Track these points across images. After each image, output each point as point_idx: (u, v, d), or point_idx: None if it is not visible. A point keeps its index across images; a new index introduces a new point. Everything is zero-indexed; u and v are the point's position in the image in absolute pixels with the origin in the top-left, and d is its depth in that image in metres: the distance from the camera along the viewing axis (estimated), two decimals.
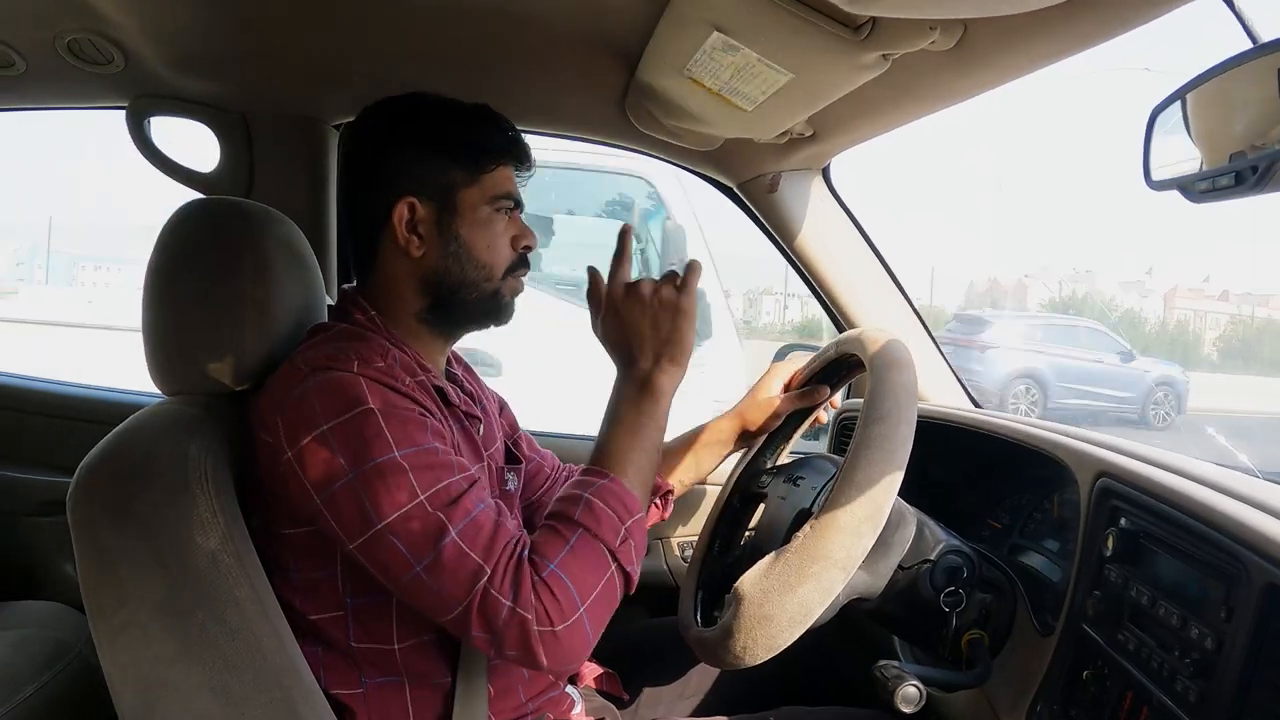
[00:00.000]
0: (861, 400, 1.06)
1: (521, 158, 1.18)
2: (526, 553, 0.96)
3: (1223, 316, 25.52)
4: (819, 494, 1.13)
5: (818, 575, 0.93)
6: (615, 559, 0.98)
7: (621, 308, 1.10)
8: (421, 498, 0.94)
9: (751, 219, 1.80)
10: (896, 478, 0.95)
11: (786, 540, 0.97)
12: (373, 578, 1.00)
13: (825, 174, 1.70)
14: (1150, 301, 28.26)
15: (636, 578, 1.02)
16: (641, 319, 1.09)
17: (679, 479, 1.43)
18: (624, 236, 1.16)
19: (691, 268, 1.13)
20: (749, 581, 0.96)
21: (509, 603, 0.92)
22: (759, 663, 0.97)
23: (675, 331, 1.08)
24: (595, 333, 1.14)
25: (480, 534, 0.95)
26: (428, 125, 1.15)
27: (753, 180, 1.72)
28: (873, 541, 0.94)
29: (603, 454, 1.06)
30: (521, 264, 1.18)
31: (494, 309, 1.17)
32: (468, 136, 1.14)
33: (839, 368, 1.33)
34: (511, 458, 1.31)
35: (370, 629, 1.04)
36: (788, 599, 0.93)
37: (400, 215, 1.12)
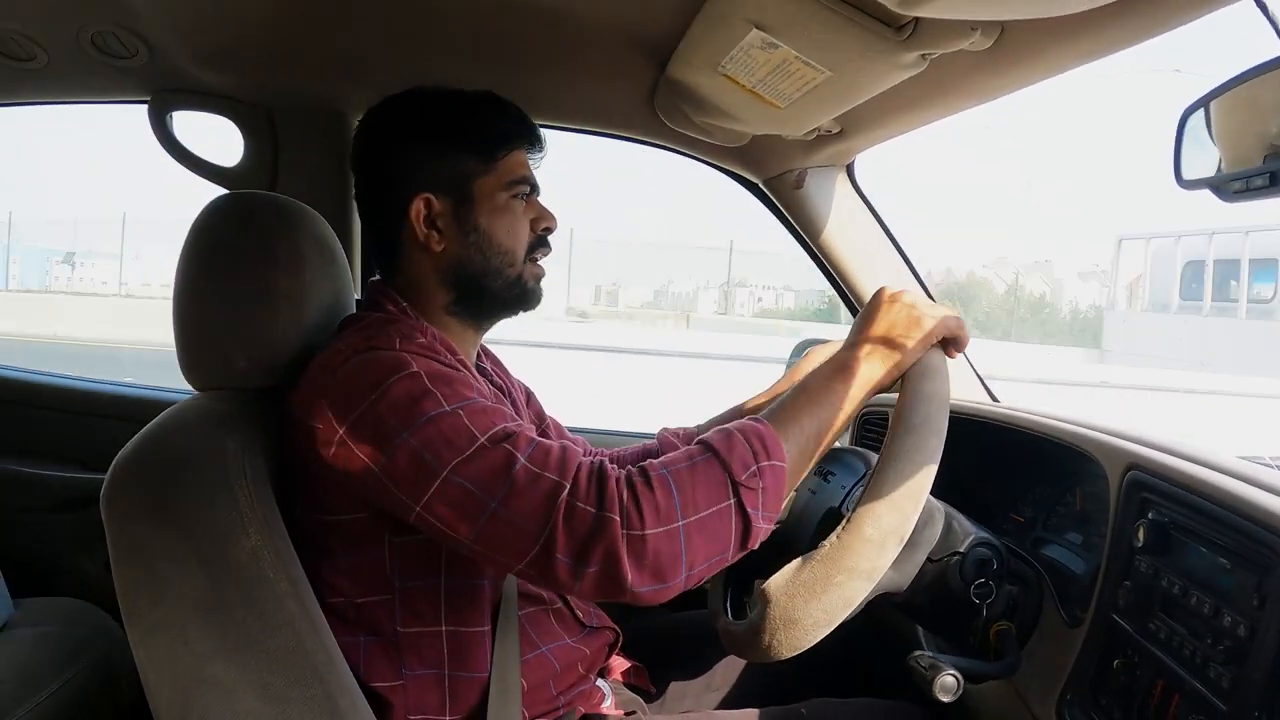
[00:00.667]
0: (886, 394, 1.07)
1: (533, 140, 1.19)
2: (605, 467, 0.93)
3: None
4: (848, 494, 1.14)
5: (842, 585, 0.93)
6: (736, 493, 0.92)
7: (879, 304, 1.07)
8: (482, 439, 0.93)
9: (776, 215, 1.81)
10: (925, 491, 0.95)
11: (814, 544, 0.97)
12: (423, 559, 1.01)
13: (850, 170, 1.72)
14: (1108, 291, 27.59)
15: (761, 530, 0.94)
16: (883, 316, 1.06)
17: None
18: None
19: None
20: (775, 585, 0.96)
21: (593, 509, 0.88)
22: (785, 658, 0.97)
23: (902, 336, 1.03)
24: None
25: (550, 455, 0.93)
26: (435, 118, 1.15)
27: (779, 176, 1.73)
28: (898, 553, 0.95)
29: (771, 410, 1.02)
30: (541, 245, 1.19)
31: (520, 294, 1.19)
32: (477, 125, 1.15)
33: None
34: None
35: (418, 612, 1.05)
36: (812, 605, 0.93)
37: (417, 212, 1.13)
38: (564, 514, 0.88)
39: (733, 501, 0.92)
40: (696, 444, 0.97)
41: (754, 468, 0.93)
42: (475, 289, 1.16)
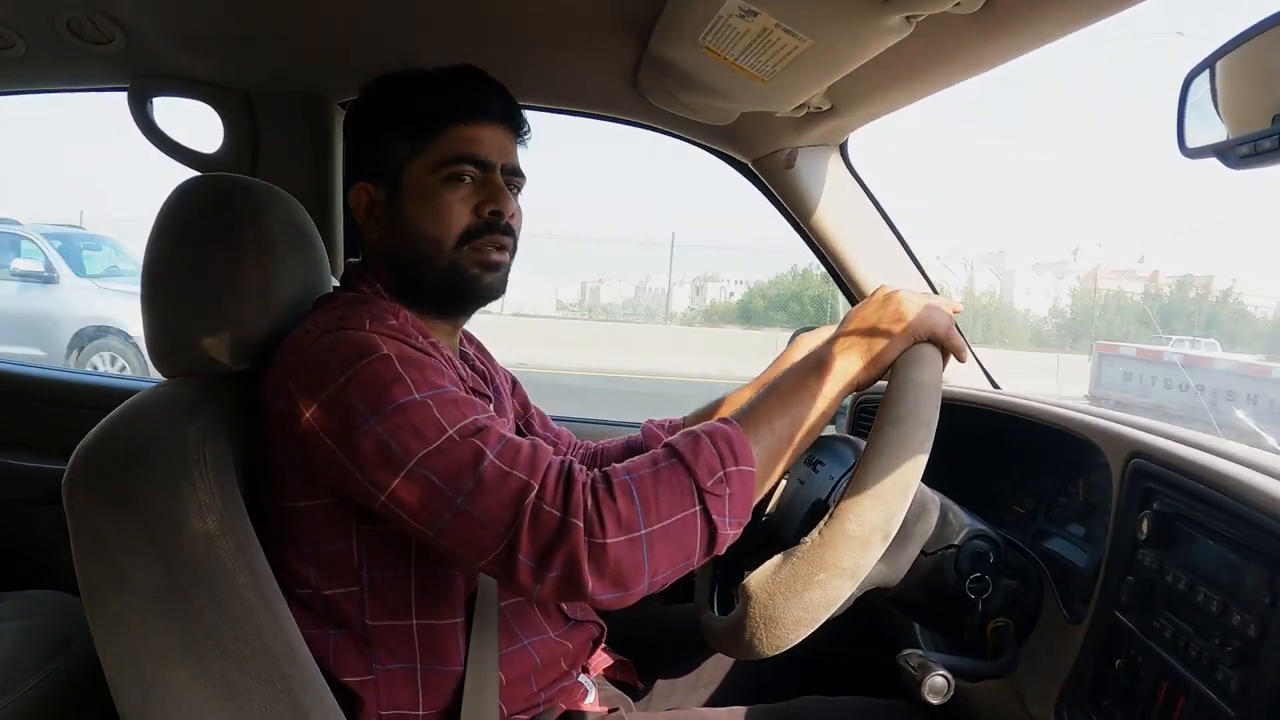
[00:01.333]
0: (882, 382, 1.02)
1: (476, 111, 1.12)
2: (573, 469, 0.91)
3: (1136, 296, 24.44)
4: (835, 486, 1.10)
5: (824, 584, 0.89)
6: (702, 500, 0.90)
7: (870, 299, 1.04)
8: (450, 431, 0.91)
9: (766, 195, 1.78)
10: (912, 485, 0.91)
11: (798, 538, 0.93)
12: (392, 549, 0.99)
13: (843, 150, 1.69)
14: (1065, 283, 27.37)
15: (727, 536, 0.93)
16: (869, 310, 1.03)
17: None
18: None
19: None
20: (756, 581, 0.92)
21: (558, 513, 0.87)
22: (768, 656, 0.94)
23: (884, 331, 1.00)
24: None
25: (520, 453, 0.91)
26: (378, 104, 1.14)
27: (769, 156, 1.70)
28: (884, 550, 0.91)
29: (743, 409, 0.99)
30: (485, 230, 1.12)
31: (457, 284, 1.12)
32: (411, 106, 1.11)
33: None
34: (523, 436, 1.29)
35: (388, 604, 1.03)
36: (792, 604, 0.89)
37: (357, 201, 1.13)
38: (530, 515, 0.87)
39: (698, 509, 0.90)
40: (663, 448, 0.94)
41: (720, 473, 0.91)
42: (410, 280, 1.13)
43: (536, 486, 0.88)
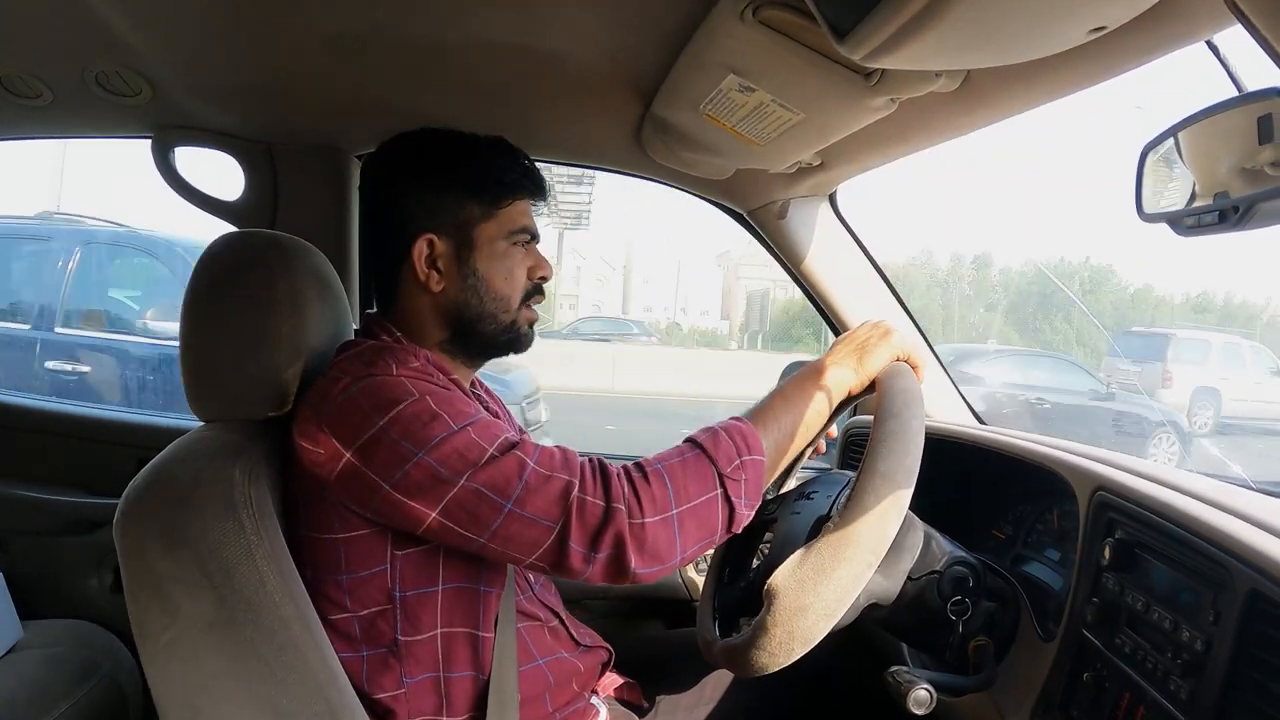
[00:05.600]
0: (865, 416, 1.11)
1: (536, 191, 1.23)
2: (604, 463, 1.03)
3: None
4: (835, 500, 1.18)
5: (850, 559, 0.97)
6: (722, 484, 1.03)
7: (861, 325, 1.21)
8: (490, 449, 1.00)
9: (761, 243, 1.86)
10: (915, 467, 1.00)
11: (809, 541, 1.01)
12: (423, 569, 1.06)
13: (832, 199, 1.76)
14: None
15: (744, 516, 1.06)
16: (858, 333, 1.19)
17: None
18: None
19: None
20: (782, 576, 0.99)
21: (601, 502, 0.99)
22: (792, 661, 1.00)
23: (872, 348, 1.15)
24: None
25: (555, 458, 1.02)
26: (444, 161, 1.19)
27: (763, 207, 1.78)
28: (898, 527, 0.99)
29: (751, 410, 1.12)
30: (536, 292, 1.23)
31: (513, 338, 1.23)
32: (484, 172, 1.18)
33: None
34: None
35: (417, 620, 1.09)
36: (823, 586, 0.96)
37: (420, 252, 1.16)
38: (576, 508, 0.98)
39: (719, 492, 1.03)
40: (686, 441, 1.08)
41: (737, 461, 1.05)
42: (469, 330, 1.20)
43: (577, 483, 0.99)
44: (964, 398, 1.81)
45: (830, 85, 1.05)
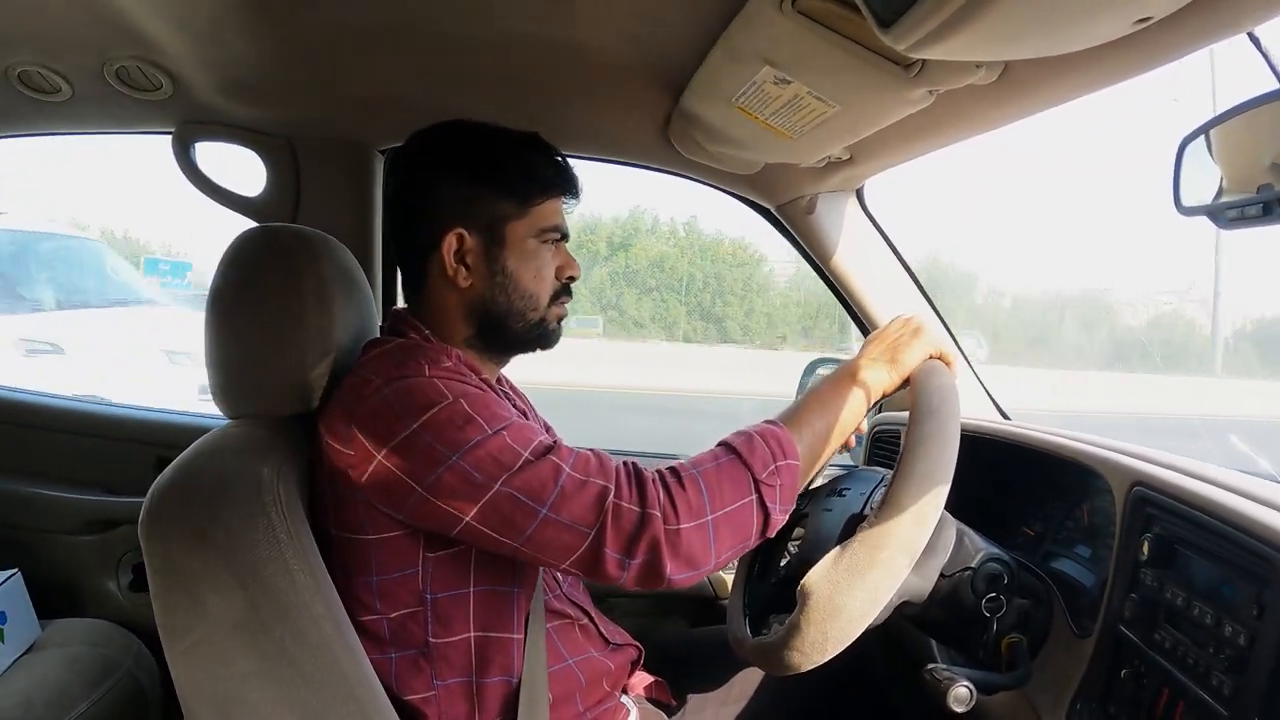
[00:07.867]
0: (893, 413, 1.10)
1: (569, 190, 1.22)
2: (639, 468, 1.02)
3: None
4: (869, 498, 1.18)
5: (886, 561, 0.96)
6: (757, 490, 1.03)
7: (890, 323, 1.20)
8: (525, 454, 1.00)
9: (787, 238, 1.86)
10: (951, 467, 1.00)
11: (843, 540, 1.01)
12: (454, 571, 1.06)
13: (859, 194, 1.76)
14: None
15: (778, 521, 1.05)
16: (889, 331, 1.19)
17: None
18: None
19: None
20: (816, 577, 0.99)
21: (637, 508, 0.98)
22: (825, 660, 0.99)
23: (905, 346, 1.15)
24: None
25: (589, 463, 1.02)
26: (478, 156, 1.18)
27: (790, 202, 1.77)
28: (933, 528, 0.98)
29: (785, 413, 1.12)
30: (565, 292, 1.23)
31: (540, 335, 1.22)
32: (518, 169, 1.18)
33: None
34: None
35: (448, 622, 1.09)
36: (857, 588, 0.96)
37: (449, 246, 1.15)
38: (611, 514, 0.98)
39: (754, 497, 1.03)
40: (720, 445, 1.07)
41: (772, 466, 1.04)
42: (497, 327, 1.19)
43: (613, 488, 0.99)
44: (989, 393, 1.80)
45: (869, 77, 1.04)
